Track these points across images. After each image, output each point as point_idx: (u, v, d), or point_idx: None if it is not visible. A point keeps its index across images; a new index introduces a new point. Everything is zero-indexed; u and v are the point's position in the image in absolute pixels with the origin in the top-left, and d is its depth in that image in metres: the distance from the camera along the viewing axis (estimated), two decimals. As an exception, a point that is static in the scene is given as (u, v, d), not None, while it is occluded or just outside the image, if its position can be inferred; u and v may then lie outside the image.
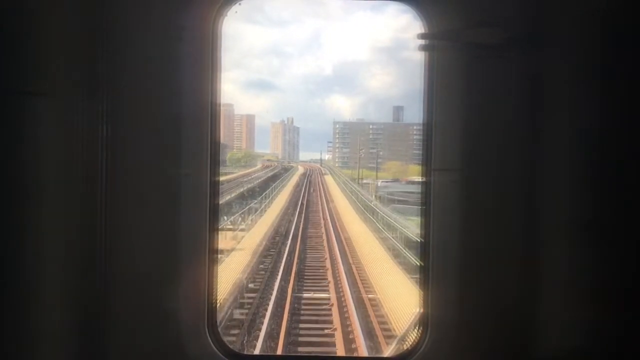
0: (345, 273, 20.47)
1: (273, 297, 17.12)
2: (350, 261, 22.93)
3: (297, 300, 18.03)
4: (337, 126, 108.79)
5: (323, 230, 30.68)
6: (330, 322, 16.25)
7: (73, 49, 3.31)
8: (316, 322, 16.42)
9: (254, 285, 19.27)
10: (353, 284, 19.39)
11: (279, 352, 13.54)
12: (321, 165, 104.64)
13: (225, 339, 3.49)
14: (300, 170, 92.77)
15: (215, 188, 3.49)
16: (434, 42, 3.48)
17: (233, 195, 38.79)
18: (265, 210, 35.48)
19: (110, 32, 3.35)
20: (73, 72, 3.31)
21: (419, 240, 3.72)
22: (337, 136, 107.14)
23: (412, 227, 24.55)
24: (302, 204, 41.00)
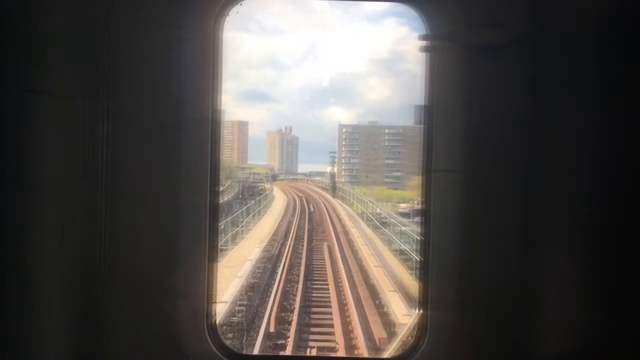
0: None
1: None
2: None
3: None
4: (344, 130, 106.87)
5: None
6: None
7: (74, 48, 4.11)
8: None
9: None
10: None
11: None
12: (333, 193, 66.69)
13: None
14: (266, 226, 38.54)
15: (215, 188, 4.34)
16: (435, 43, 4.34)
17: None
18: None
19: (111, 31, 4.16)
20: (74, 71, 4.11)
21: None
22: (343, 143, 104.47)
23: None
24: None
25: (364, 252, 30.04)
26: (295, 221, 43.61)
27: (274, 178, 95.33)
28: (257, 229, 38.67)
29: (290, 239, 34.75)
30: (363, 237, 34.91)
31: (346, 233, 37.93)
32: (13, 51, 3.93)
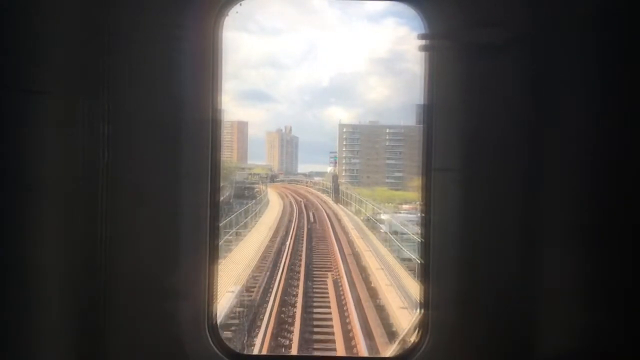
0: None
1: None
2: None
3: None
4: (345, 130, 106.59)
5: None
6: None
7: (74, 48, 4.22)
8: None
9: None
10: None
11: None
12: (336, 197, 58.00)
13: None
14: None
15: (215, 187, 4.46)
16: (434, 42, 4.45)
17: None
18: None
19: (111, 31, 4.28)
20: (74, 71, 4.22)
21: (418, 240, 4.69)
22: (344, 142, 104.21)
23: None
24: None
25: (389, 296, 22.17)
26: (291, 236, 36.37)
27: (271, 179, 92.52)
28: (241, 249, 31.73)
29: (282, 268, 27.15)
30: (384, 270, 26.36)
31: (357, 255, 30.66)
32: (13, 51, 4.01)
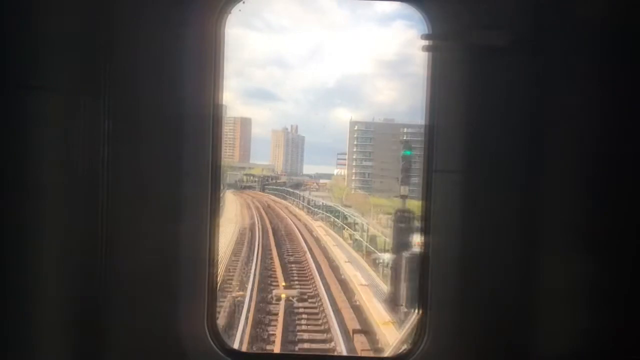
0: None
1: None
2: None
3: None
4: (356, 128, 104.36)
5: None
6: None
7: (76, 45, 4.50)
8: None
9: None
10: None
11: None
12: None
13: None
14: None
15: (216, 187, 4.76)
16: (437, 43, 4.75)
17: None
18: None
19: (113, 29, 4.57)
20: (76, 69, 4.51)
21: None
22: (355, 142, 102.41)
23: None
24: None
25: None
26: None
27: (262, 186, 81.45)
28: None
29: None
30: None
31: None
32: (15, 50, 4.30)
